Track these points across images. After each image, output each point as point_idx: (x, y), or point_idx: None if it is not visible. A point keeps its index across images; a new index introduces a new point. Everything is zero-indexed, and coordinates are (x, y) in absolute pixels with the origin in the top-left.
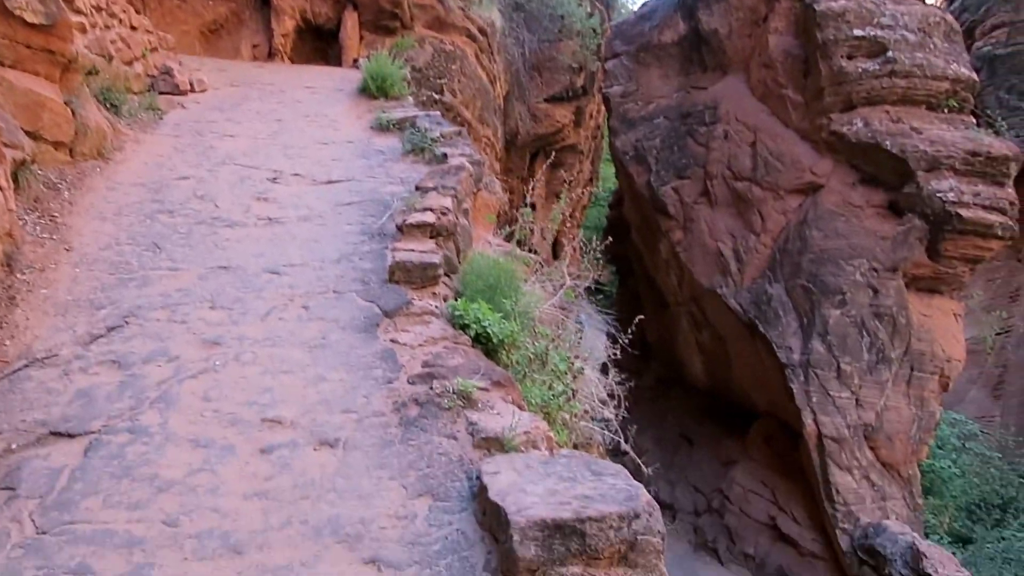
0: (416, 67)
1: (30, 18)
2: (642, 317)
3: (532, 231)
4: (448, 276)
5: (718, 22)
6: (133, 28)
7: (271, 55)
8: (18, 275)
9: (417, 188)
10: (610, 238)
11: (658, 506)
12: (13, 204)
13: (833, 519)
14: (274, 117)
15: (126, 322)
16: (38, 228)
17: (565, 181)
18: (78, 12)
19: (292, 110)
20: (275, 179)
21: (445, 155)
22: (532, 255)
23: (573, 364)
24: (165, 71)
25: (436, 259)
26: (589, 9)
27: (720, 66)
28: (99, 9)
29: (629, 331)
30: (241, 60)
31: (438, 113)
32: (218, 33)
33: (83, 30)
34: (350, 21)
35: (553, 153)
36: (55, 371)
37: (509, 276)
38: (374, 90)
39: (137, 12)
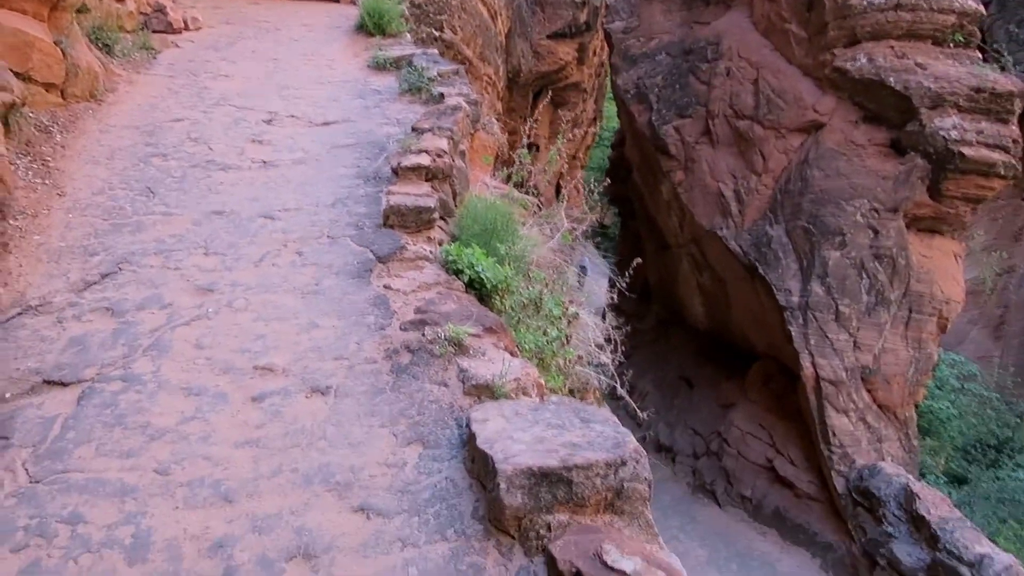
0: (415, 3)
1: None
2: (639, 261)
3: (531, 173)
4: (444, 220)
5: None
6: None
7: None
8: (10, 221)
9: (413, 129)
10: (612, 179)
11: (645, 453)
12: (3, 148)
13: (829, 461)
14: (270, 56)
15: (119, 269)
16: (30, 173)
17: (568, 121)
18: None
19: (288, 48)
20: (270, 121)
21: (442, 95)
22: (531, 197)
23: (568, 309)
24: (158, 8)
25: (431, 203)
26: None
27: (723, 0)
28: None
29: (627, 274)
30: None
31: (436, 51)
32: None
33: None
34: None
35: (556, 91)
36: (49, 319)
37: (506, 219)
38: (371, 27)
39: None
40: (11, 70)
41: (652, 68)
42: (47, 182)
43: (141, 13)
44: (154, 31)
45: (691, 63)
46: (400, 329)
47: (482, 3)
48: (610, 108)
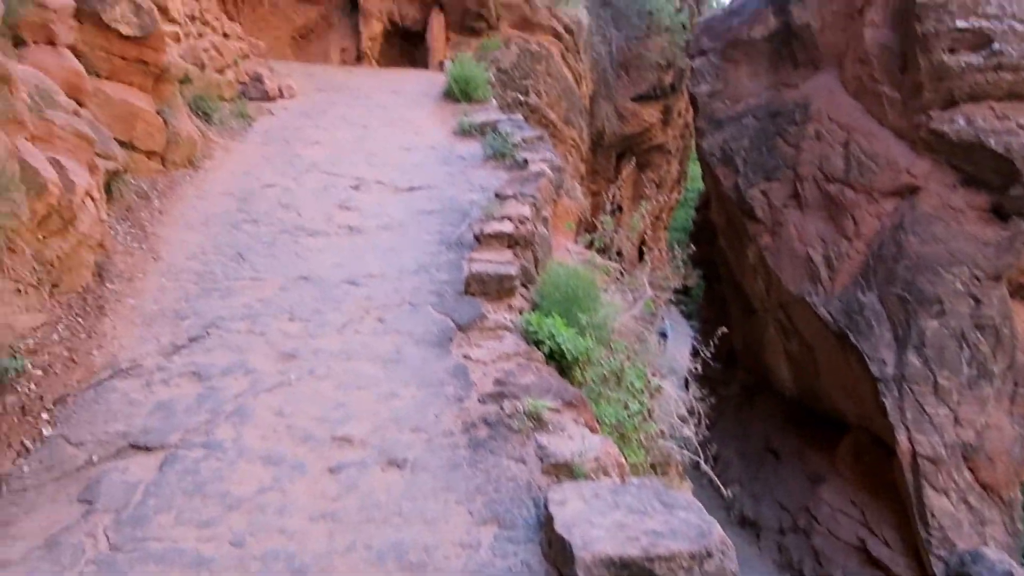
0: (501, 68)
1: (125, 30)
2: (725, 330)
3: (614, 237)
4: (525, 286)
5: (811, 16)
6: (226, 36)
7: (359, 58)
8: (108, 285)
9: (496, 195)
10: (696, 241)
11: (731, 544)
12: (105, 214)
13: (927, 544)
14: (359, 122)
15: (208, 333)
16: (128, 237)
17: (652, 182)
18: (172, 22)
19: (377, 115)
20: (357, 187)
21: (526, 161)
22: (612, 263)
23: (650, 382)
24: (256, 78)
25: (512, 270)
26: (678, 4)
27: (812, 62)
28: (193, 19)
29: (712, 343)
30: (330, 64)
31: (520, 117)
32: (308, 38)
33: (177, 39)
34: (436, 23)
35: (640, 153)
36: (138, 382)
37: (587, 287)
38: (458, 93)
39: (230, 20)
40: (116, 139)
41: (738, 131)
42: (144, 247)
43: (240, 82)
44: (251, 99)
45: (778, 126)
46: (479, 401)
47: (567, 67)
48: (694, 169)
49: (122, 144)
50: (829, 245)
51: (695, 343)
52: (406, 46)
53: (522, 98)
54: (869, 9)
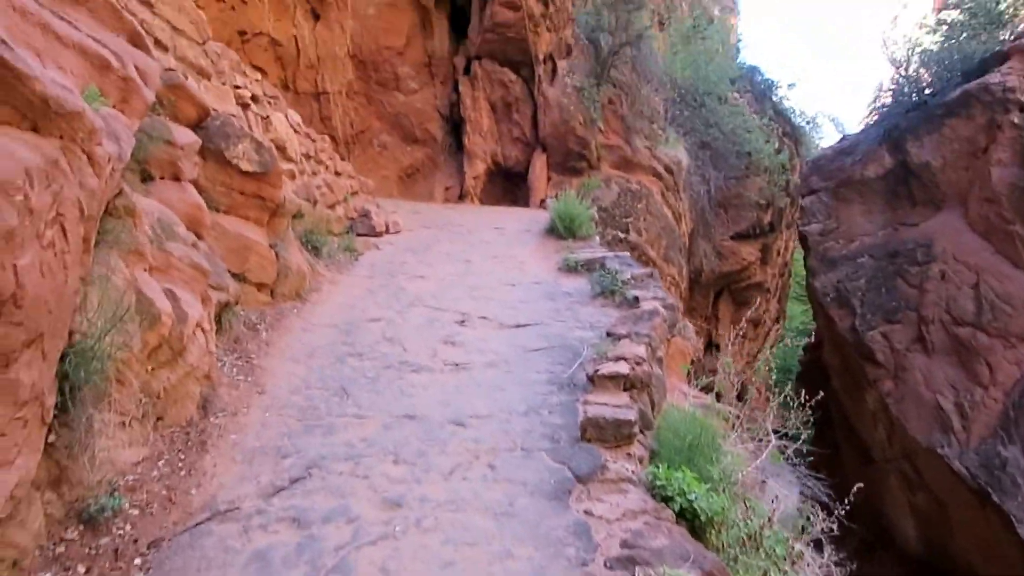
0: (602, 206)
1: (245, 167)
2: (861, 485)
3: (733, 381)
4: (643, 432)
5: (930, 155)
6: (337, 174)
7: (462, 196)
8: (211, 418)
9: (608, 334)
10: (805, 384)
11: None
12: (214, 346)
13: None
14: (463, 258)
15: (309, 473)
16: (235, 370)
17: (750, 321)
18: (289, 160)
19: (480, 250)
20: (462, 322)
21: (636, 298)
22: (729, 407)
23: (793, 548)
24: (364, 213)
25: (631, 415)
26: (777, 145)
27: (932, 201)
28: (308, 157)
29: (848, 501)
30: (434, 202)
31: (627, 254)
32: (414, 177)
33: (292, 177)
34: (539, 163)
35: (737, 291)
36: (235, 526)
37: (709, 435)
38: (562, 230)
39: (342, 159)
40: (229, 271)
41: (853, 271)
42: (249, 379)
43: (348, 217)
44: (358, 234)
45: (898, 266)
46: (606, 567)
47: (667, 205)
48: (792, 307)
49: (235, 276)
50: (961, 392)
51: (808, 494)
52: (508, 185)
53: (622, 235)
54: (995, 148)
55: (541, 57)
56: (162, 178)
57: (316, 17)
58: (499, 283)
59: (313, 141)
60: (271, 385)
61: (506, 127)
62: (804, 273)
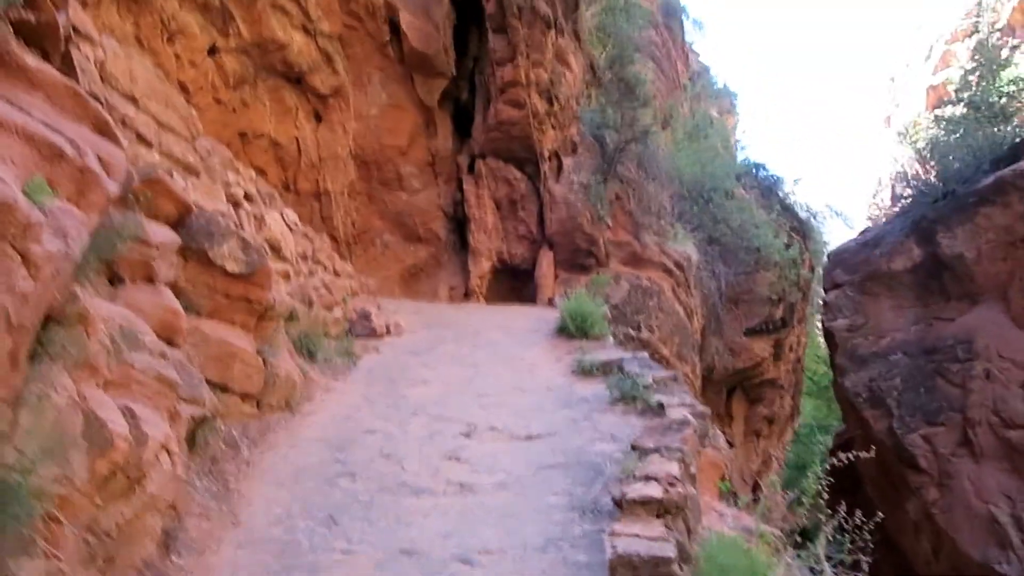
0: (612, 303)
1: (231, 267)
2: None
3: (779, 501)
4: (680, 566)
5: (963, 246)
6: (336, 274)
7: (467, 295)
8: (173, 558)
9: (633, 448)
10: (834, 489)
11: None
12: (182, 470)
13: None
14: (469, 361)
15: None
16: (208, 495)
17: (765, 419)
18: (284, 260)
19: (487, 352)
20: (468, 434)
21: (661, 405)
22: (776, 530)
23: None
24: (363, 315)
25: (669, 551)
26: (786, 240)
27: (968, 295)
28: (305, 257)
29: None
30: (438, 301)
31: (645, 354)
32: (417, 276)
33: (287, 277)
34: (545, 260)
35: (751, 388)
36: None
37: (759, 568)
38: (573, 330)
39: (343, 259)
40: (209, 381)
41: (887, 369)
42: (223, 507)
43: (347, 319)
44: (357, 336)
45: (936, 363)
46: None
47: (678, 302)
48: (807, 403)
49: (216, 387)
50: (1018, 503)
51: None
52: (514, 283)
53: (634, 333)
54: None
55: (546, 154)
56: (133, 280)
57: (318, 119)
58: (508, 388)
59: (311, 241)
60: (248, 514)
61: (511, 224)
62: (815, 369)
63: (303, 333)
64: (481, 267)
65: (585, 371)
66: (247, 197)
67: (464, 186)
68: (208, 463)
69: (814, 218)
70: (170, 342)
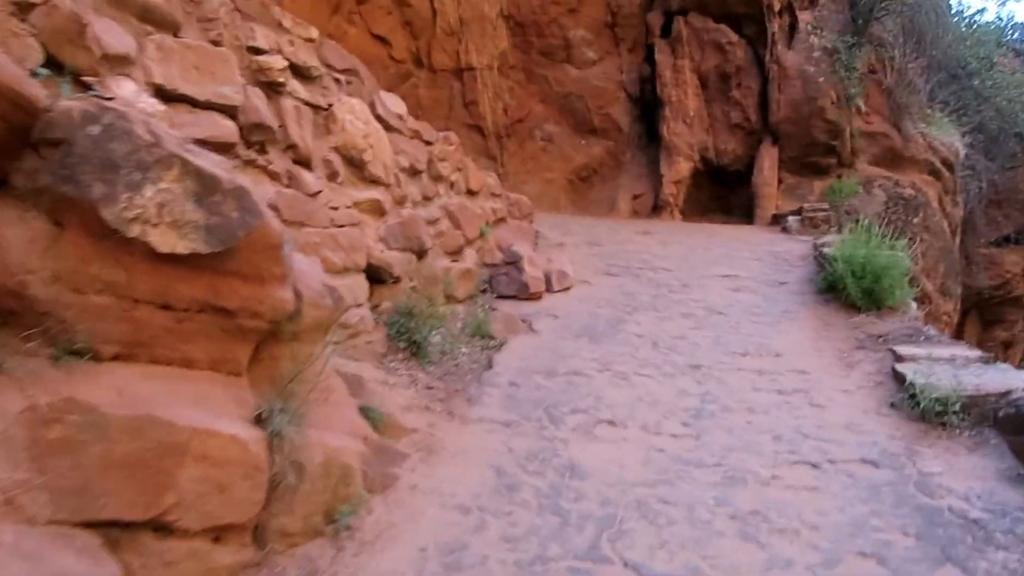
0: (859, 221)
1: (166, 243)
2: None
3: None
4: None
5: None
6: (470, 193)
7: (656, 208)
8: None
9: None
10: None
11: None
12: None
13: None
14: (684, 359)
15: None
16: None
17: (1003, 343)
18: (374, 182)
19: (712, 338)
20: None
21: None
22: None
23: None
24: (510, 259)
25: None
26: None
27: None
28: (416, 172)
29: None
30: (618, 216)
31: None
32: (590, 181)
33: (380, 212)
34: (767, 159)
35: (987, 307)
36: None
37: None
38: (854, 295)
39: (490, 159)
40: (113, 521)
41: None
42: None
43: (485, 264)
44: (500, 295)
45: None
46: None
47: (944, 215)
48: None
49: (137, 526)
50: None
51: None
52: (718, 189)
53: None
54: None
55: (776, 7)
56: None
57: None
58: (778, 455)
59: (428, 144)
60: None
61: (721, 109)
62: None
63: (404, 309)
64: (678, 169)
65: (924, 411)
66: (298, 72)
67: (656, 55)
68: None
69: None
70: None
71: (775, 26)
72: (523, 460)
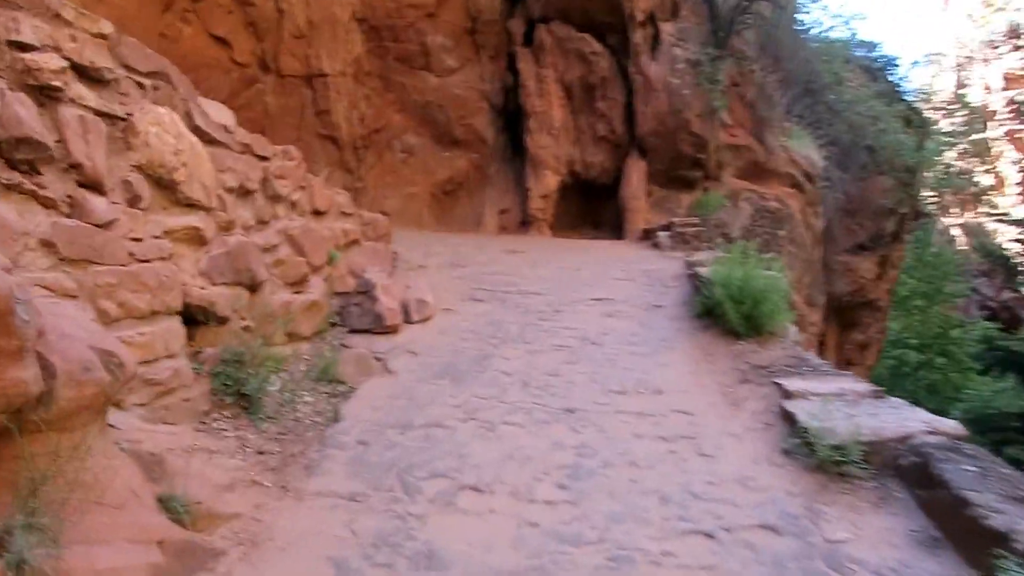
0: (729, 235)
1: None
2: None
3: None
4: None
5: None
6: (317, 214)
7: (525, 223)
8: None
9: None
10: None
11: None
12: None
13: None
14: (558, 400)
15: None
16: None
17: (859, 345)
18: (189, 206)
19: (589, 373)
20: None
21: None
22: None
23: None
24: (363, 288)
25: None
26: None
27: None
28: (245, 192)
29: None
30: (485, 232)
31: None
32: (454, 195)
33: (199, 241)
34: (635, 172)
35: (844, 311)
36: None
37: None
38: (733, 320)
39: (346, 172)
40: None
41: None
42: None
43: (335, 293)
44: (351, 329)
45: None
46: None
47: (807, 227)
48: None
49: None
50: None
51: None
52: (588, 204)
53: None
54: None
55: (638, 17)
56: None
57: None
58: (667, 522)
59: (263, 159)
60: None
61: (587, 121)
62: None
63: (231, 355)
64: (545, 183)
65: (826, 464)
66: (85, 75)
67: (519, 64)
68: None
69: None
70: None
71: (638, 36)
72: (369, 547)
